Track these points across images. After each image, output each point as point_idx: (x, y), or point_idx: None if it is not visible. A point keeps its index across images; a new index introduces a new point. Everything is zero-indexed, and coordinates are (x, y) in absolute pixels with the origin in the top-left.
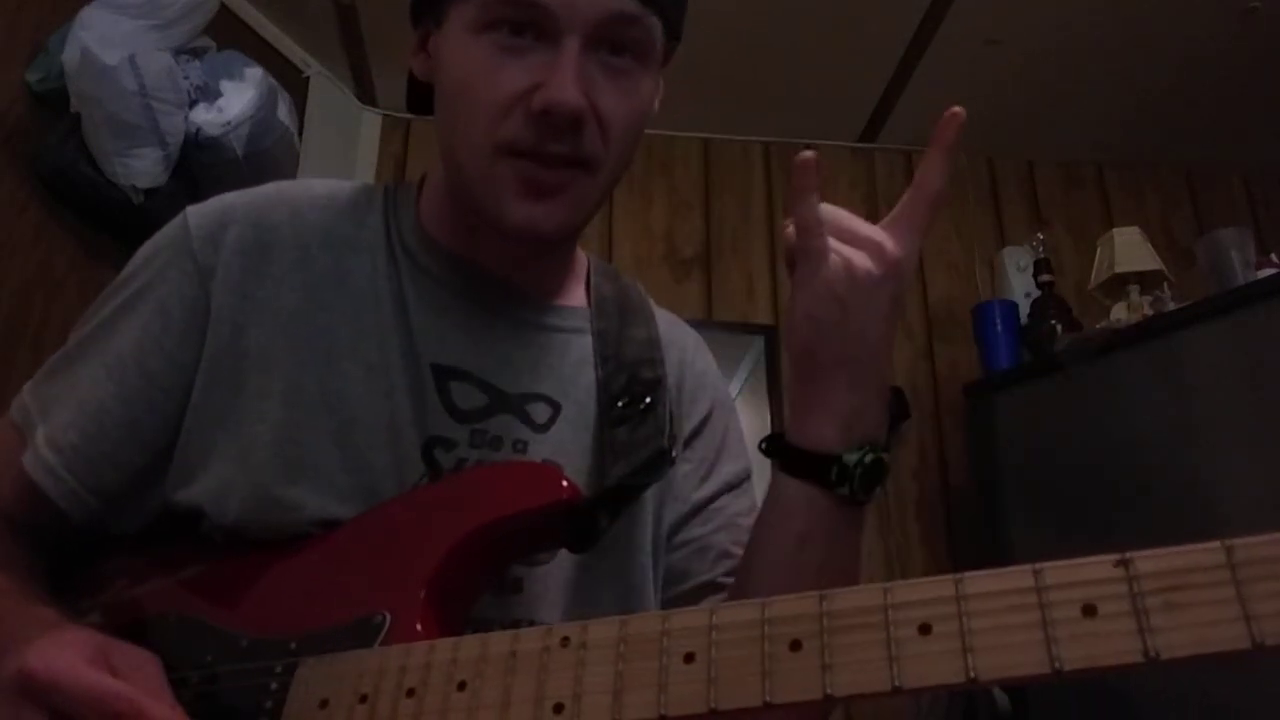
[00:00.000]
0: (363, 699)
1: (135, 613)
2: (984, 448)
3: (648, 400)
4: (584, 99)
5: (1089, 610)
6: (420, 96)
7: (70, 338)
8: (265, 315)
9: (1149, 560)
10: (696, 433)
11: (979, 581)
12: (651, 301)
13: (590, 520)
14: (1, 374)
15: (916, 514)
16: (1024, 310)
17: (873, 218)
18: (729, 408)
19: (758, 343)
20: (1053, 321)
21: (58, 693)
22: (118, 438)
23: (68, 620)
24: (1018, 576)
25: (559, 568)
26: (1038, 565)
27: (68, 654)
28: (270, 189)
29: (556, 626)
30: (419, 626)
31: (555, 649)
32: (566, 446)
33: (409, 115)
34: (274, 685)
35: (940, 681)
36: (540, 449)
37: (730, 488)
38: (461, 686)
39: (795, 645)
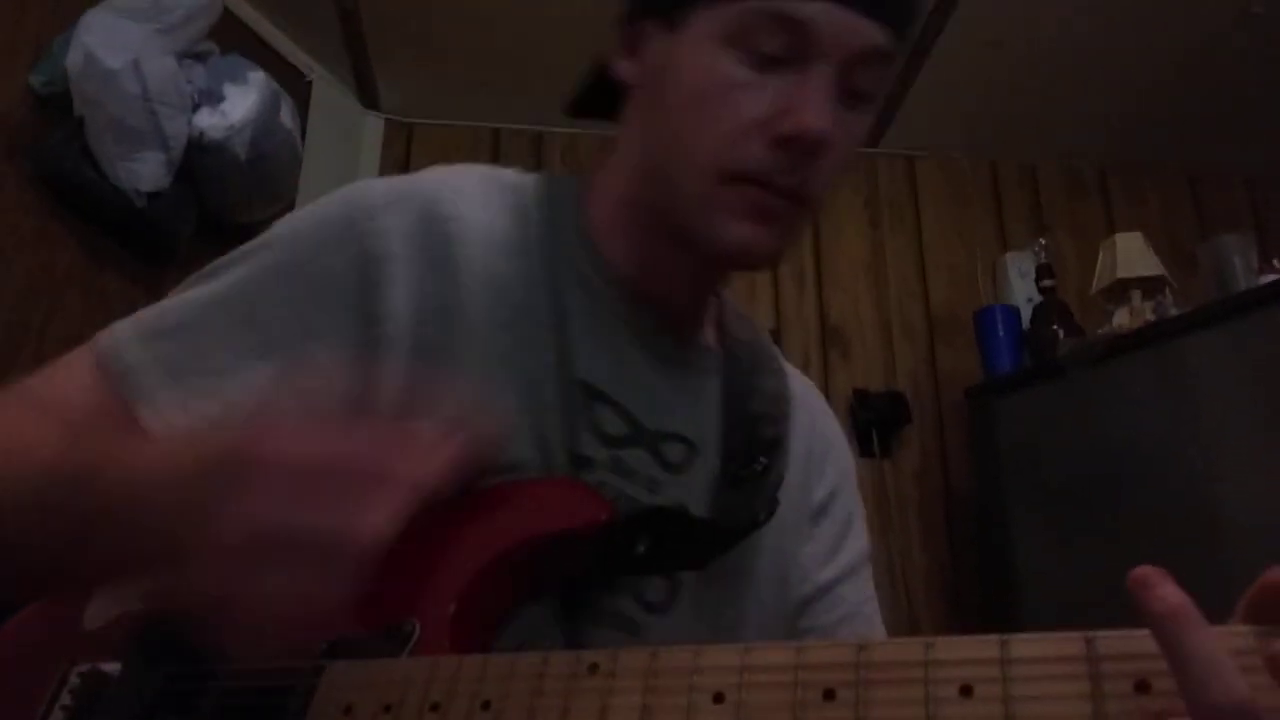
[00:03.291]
0: (387, 709)
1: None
2: (985, 452)
3: (763, 461)
4: (833, 129)
5: (1142, 687)
6: (592, 99)
7: (193, 295)
8: (435, 310)
9: None
10: (823, 508)
11: (1027, 645)
12: (780, 354)
13: (627, 543)
14: (3, 377)
15: (918, 517)
16: (1026, 315)
17: (874, 223)
18: (853, 479)
19: None
20: (1054, 327)
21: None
22: None
23: None
24: (1068, 643)
25: (681, 622)
26: (1090, 634)
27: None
28: (435, 177)
29: (587, 653)
30: (448, 639)
31: (583, 675)
32: (695, 493)
33: (413, 119)
34: (300, 687)
35: None
36: (672, 490)
37: (854, 571)
38: (486, 705)
39: (829, 694)
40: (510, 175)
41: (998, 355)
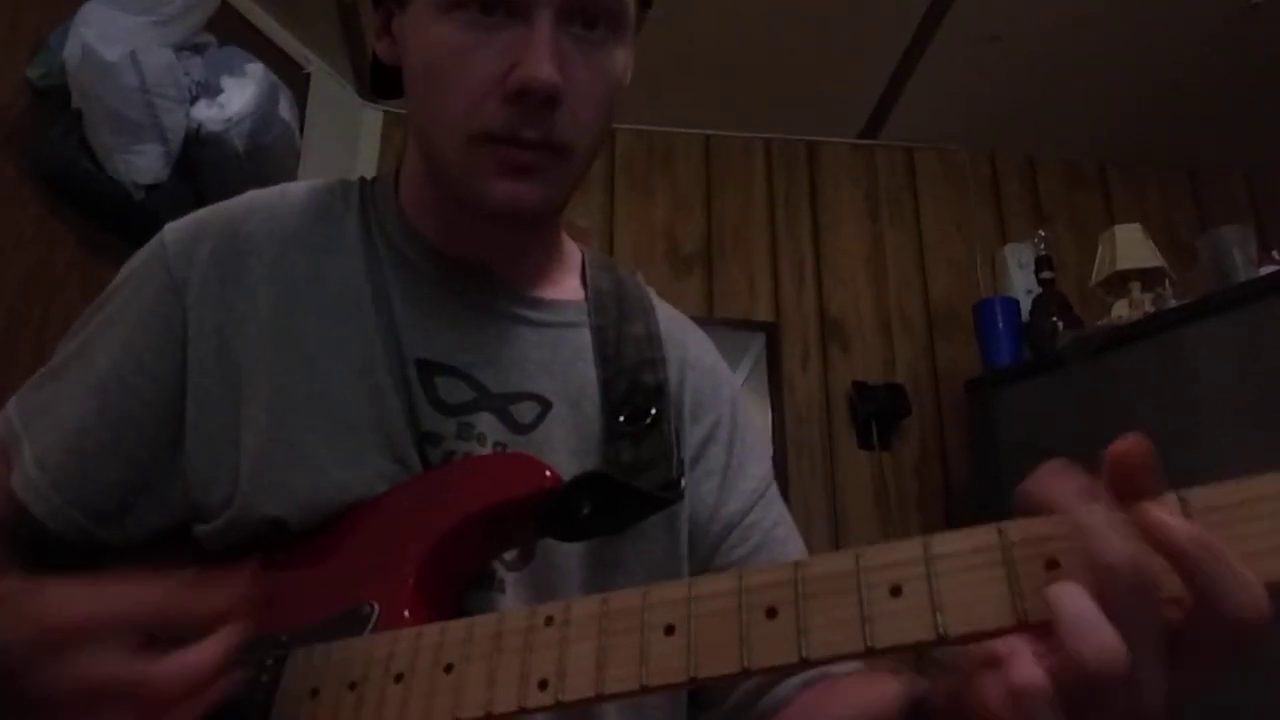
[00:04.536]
0: (352, 686)
1: None
2: (985, 444)
3: (652, 413)
4: (559, 76)
5: (1051, 564)
6: (387, 79)
7: (55, 353)
8: (247, 324)
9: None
10: (709, 439)
11: (947, 542)
12: (654, 294)
13: (572, 507)
14: (2, 370)
15: (917, 510)
16: (1025, 307)
17: (874, 215)
18: (740, 404)
19: (758, 340)
20: (1054, 318)
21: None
22: (100, 455)
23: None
24: (982, 535)
25: (540, 572)
26: (1001, 524)
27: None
28: (245, 198)
29: (541, 608)
30: (407, 614)
31: (540, 628)
32: (554, 446)
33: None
34: (265, 678)
35: (912, 640)
36: (522, 450)
37: (760, 496)
38: (449, 669)
39: (771, 612)
40: (330, 183)
41: (997, 347)
